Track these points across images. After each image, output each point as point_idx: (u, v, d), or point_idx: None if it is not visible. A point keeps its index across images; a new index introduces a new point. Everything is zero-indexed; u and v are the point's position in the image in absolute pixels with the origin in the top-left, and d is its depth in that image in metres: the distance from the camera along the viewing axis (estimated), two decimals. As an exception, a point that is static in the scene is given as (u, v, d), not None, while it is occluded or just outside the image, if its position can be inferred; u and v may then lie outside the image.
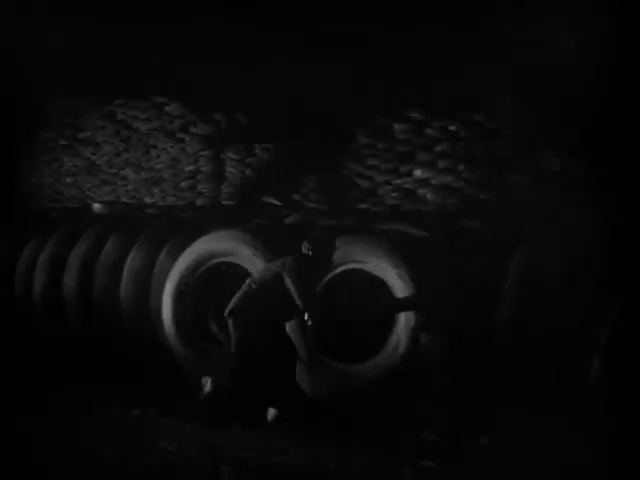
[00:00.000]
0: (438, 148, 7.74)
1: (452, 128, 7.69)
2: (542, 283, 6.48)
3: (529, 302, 6.48)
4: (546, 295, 6.42)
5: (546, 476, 5.57)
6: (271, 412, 6.68)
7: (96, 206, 9.26)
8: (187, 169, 8.72)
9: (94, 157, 9.30)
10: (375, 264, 7.03)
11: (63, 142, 9.69)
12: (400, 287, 6.89)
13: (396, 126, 7.81)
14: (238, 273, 7.68)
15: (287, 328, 6.86)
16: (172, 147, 8.75)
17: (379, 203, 7.76)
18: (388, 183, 7.75)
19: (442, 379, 6.56)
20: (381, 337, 6.80)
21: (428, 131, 7.77)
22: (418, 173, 7.75)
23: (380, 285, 6.98)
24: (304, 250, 6.81)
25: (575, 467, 5.68)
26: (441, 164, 7.69)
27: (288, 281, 6.66)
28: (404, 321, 6.80)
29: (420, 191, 7.69)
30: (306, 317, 6.63)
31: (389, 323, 6.84)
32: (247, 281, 6.91)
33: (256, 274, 6.96)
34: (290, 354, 6.83)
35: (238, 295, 6.84)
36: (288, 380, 6.75)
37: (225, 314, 6.84)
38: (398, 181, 7.74)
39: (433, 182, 7.67)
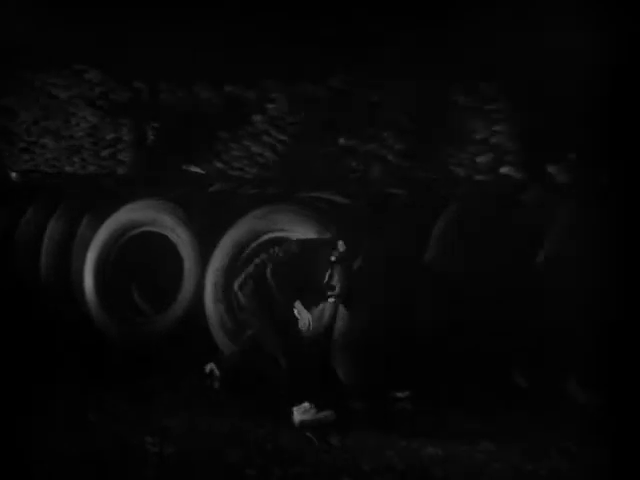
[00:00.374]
0: (363, 116, 7.76)
1: (375, 98, 7.72)
2: (466, 249, 6.56)
3: (452, 269, 6.56)
4: (469, 262, 6.51)
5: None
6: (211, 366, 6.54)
7: (14, 175, 9.08)
8: (108, 137, 8.60)
9: (11, 125, 9.11)
10: (300, 232, 7.05)
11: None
12: (324, 255, 6.93)
13: (320, 93, 7.80)
14: (161, 242, 7.64)
15: None
16: (92, 115, 8.61)
17: (303, 171, 7.75)
18: (313, 151, 7.75)
19: (367, 347, 6.61)
20: (305, 307, 6.82)
21: (352, 99, 7.79)
22: (342, 141, 7.77)
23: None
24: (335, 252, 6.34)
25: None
26: (366, 132, 7.72)
27: (269, 276, 6.23)
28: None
29: (345, 159, 7.71)
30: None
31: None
32: (261, 255, 6.47)
33: (272, 249, 6.46)
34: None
35: (249, 270, 6.39)
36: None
37: (235, 287, 6.41)
38: (323, 149, 7.75)
39: (358, 150, 7.70)
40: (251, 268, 6.38)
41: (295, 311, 6.21)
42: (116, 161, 8.58)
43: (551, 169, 7.04)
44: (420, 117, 7.57)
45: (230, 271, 7.15)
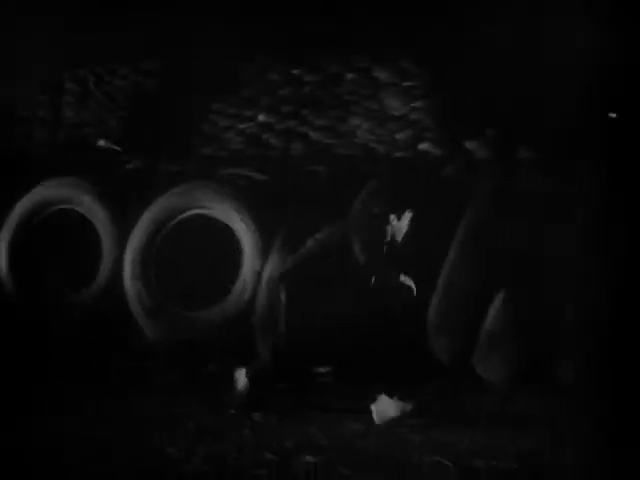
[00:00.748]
0: (282, 92, 7.76)
1: (295, 72, 7.72)
2: (382, 224, 6.61)
3: (369, 243, 6.60)
4: (385, 235, 6.55)
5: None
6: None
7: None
8: (22, 114, 8.43)
9: None
10: (219, 209, 7.03)
11: None
12: (244, 232, 6.92)
13: (240, 69, 7.77)
14: (78, 221, 7.54)
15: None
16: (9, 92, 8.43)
17: (223, 148, 7.72)
18: (232, 128, 7.73)
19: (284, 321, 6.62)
20: (227, 282, 6.82)
21: (272, 75, 7.77)
22: (262, 118, 7.74)
23: (225, 230, 6.99)
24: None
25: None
26: (285, 108, 7.72)
27: (356, 245, 5.85)
28: (249, 266, 6.84)
29: (264, 136, 7.69)
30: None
31: (235, 268, 6.86)
32: (307, 242, 6.12)
33: (319, 234, 6.11)
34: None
35: (295, 256, 6.04)
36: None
37: (277, 278, 6.00)
38: (242, 126, 7.72)
39: (277, 127, 7.69)
40: (297, 256, 5.99)
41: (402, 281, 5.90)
42: (30, 138, 8.42)
43: (470, 145, 7.11)
44: (340, 94, 7.60)
45: (148, 248, 7.10)
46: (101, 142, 8.04)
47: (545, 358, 6.10)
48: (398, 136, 7.39)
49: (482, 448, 5.07)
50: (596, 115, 6.97)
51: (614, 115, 7.27)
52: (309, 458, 4.90)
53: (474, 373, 6.22)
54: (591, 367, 6.02)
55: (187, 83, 7.85)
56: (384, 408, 5.66)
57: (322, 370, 6.42)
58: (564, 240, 6.26)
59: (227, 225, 6.99)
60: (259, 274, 6.76)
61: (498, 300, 6.23)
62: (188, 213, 7.09)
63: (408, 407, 5.67)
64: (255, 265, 6.80)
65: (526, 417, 5.58)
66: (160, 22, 7.67)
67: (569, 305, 6.13)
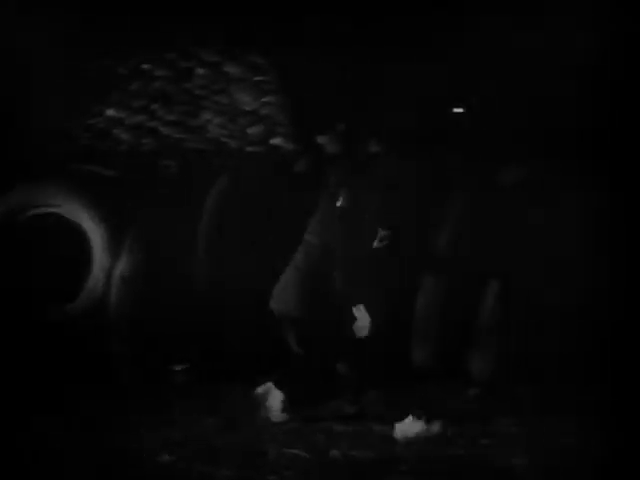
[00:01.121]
0: (131, 87, 7.69)
1: (145, 67, 7.66)
2: (235, 219, 6.62)
3: (224, 238, 6.61)
4: (244, 234, 6.58)
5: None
6: None
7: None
8: None
9: None
10: (67, 207, 6.89)
11: None
12: (93, 230, 6.81)
13: (89, 65, 7.67)
14: None
15: None
16: None
17: (71, 143, 7.58)
18: (81, 123, 7.61)
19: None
20: (79, 280, 6.70)
21: (120, 70, 7.69)
22: (111, 112, 7.65)
23: (75, 228, 6.86)
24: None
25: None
26: (134, 103, 7.65)
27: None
28: (99, 264, 6.74)
29: (114, 131, 7.61)
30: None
31: (85, 266, 6.75)
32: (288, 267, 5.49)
33: (297, 253, 5.49)
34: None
35: (278, 285, 5.47)
36: None
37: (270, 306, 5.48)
38: (91, 121, 7.62)
39: (127, 122, 7.61)
40: (282, 283, 5.47)
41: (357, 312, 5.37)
42: None
43: (321, 140, 7.19)
44: (191, 88, 7.59)
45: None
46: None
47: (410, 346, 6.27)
48: (250, 131, 7.43)
49: (342, 439, 5.14)
50: (445, 111, 7.18)
51: (459, 110, 7.49)
52: (166, 457, 4.86)
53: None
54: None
55: (39, 80, 7.68)
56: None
57: (178, 367, 6.40)
58: (422, 233, 6.41)
59: (76, 222, 6.86)
60: (109, 271, 6.69)
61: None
62: (35, 211, 6.92)
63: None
64: (105, 263, 6.72)
65: (387, 408, 5.66)
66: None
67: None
